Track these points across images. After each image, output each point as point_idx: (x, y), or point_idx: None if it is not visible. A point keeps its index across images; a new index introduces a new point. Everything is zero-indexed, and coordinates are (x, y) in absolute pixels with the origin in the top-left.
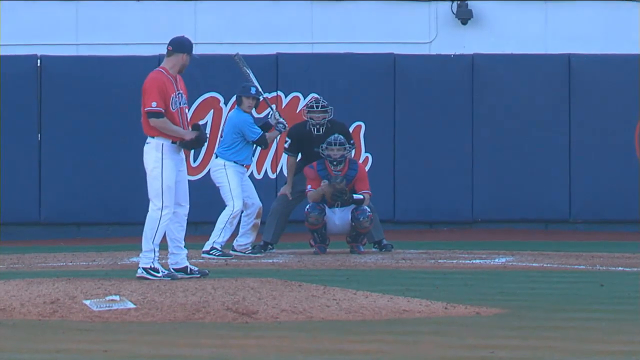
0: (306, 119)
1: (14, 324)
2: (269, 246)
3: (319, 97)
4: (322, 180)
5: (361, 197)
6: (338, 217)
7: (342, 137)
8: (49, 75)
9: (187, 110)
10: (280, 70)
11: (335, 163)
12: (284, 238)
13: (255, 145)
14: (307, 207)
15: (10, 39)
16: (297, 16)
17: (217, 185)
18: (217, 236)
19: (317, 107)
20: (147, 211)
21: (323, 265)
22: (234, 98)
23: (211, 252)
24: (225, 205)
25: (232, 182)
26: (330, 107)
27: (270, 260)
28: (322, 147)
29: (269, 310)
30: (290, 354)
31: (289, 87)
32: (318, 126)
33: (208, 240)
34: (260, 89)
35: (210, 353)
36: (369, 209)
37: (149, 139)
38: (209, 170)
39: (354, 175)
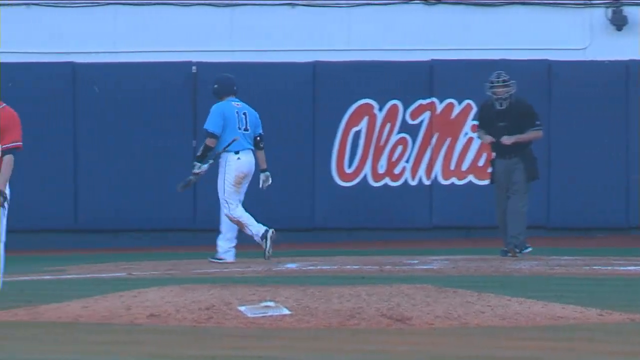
0: (489, 94)
1: (169, 329)
2: (516, 249)
3: (500, 71)
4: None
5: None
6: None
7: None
8: None
9: None
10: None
11: (500, 101)
12: (438, 244)
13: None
14: None
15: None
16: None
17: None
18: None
19: (497, 81)
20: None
21: (477, 271)
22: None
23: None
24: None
25: None
26: (512, 81)
27: (425, 267)
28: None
29: (423, 317)
30: (446, 359)
31: (444, 93)
32: (501, 101)
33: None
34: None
35: (368, 359)
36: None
37: None
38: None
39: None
